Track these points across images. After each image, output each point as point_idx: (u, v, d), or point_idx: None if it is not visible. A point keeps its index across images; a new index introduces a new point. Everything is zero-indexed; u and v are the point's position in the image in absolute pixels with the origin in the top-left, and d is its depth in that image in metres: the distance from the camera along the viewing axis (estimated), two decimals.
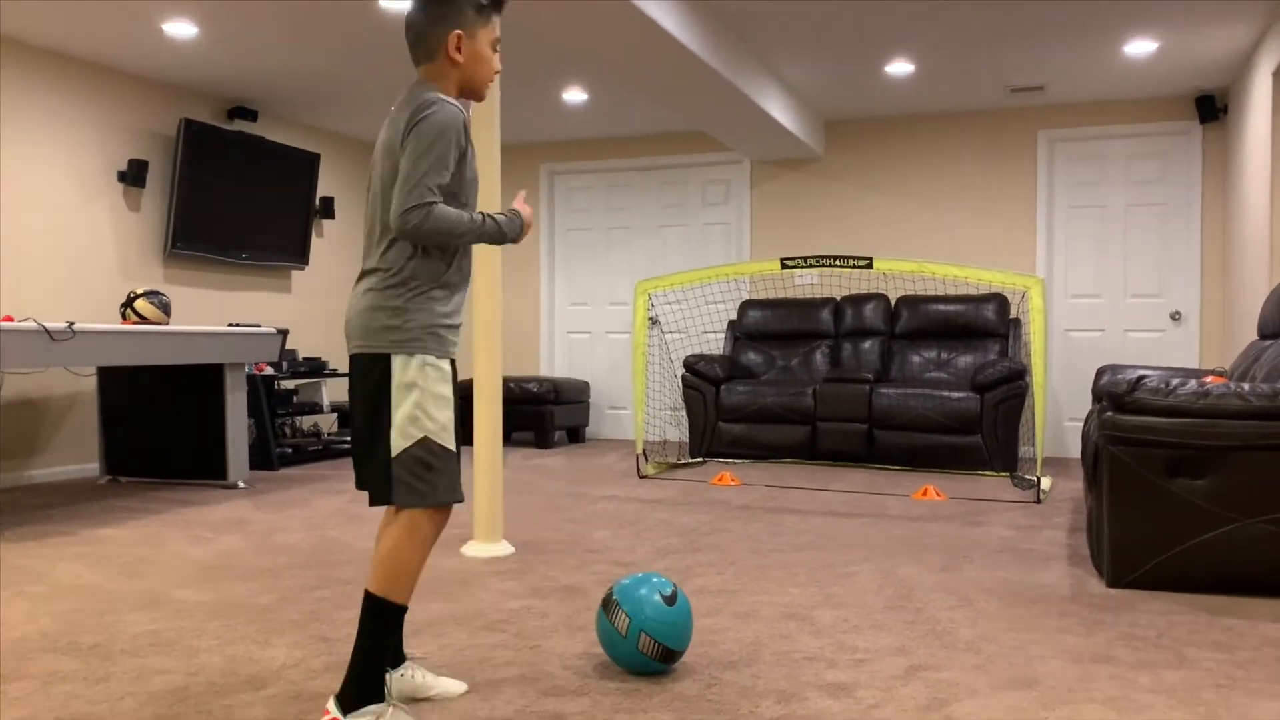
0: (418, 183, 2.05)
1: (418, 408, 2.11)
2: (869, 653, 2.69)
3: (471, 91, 2.26)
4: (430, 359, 2.13)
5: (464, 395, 7.90)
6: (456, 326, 2.22)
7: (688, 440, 8.25)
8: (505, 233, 2.20)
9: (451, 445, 2.15)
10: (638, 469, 6.29)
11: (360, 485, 2.20)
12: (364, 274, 2.19)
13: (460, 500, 2.18)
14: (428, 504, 2.12)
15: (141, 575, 3.58)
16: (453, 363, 2.21)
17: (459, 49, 2.19)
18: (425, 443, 2.11)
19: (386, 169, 2.15)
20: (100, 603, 3.20)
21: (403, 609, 2.15)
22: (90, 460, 6.33)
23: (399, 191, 2.06)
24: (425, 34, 2.19)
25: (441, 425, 2.13)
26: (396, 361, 2.12)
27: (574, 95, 7.13)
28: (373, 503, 2.15)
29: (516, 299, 8.91)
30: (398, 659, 2.33)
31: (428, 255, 2.14)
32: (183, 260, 6.91)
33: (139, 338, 4.94)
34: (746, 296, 8.24)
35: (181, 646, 2.74)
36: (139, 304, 5.52)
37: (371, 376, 2.13)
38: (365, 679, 2.10)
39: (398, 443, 2.11)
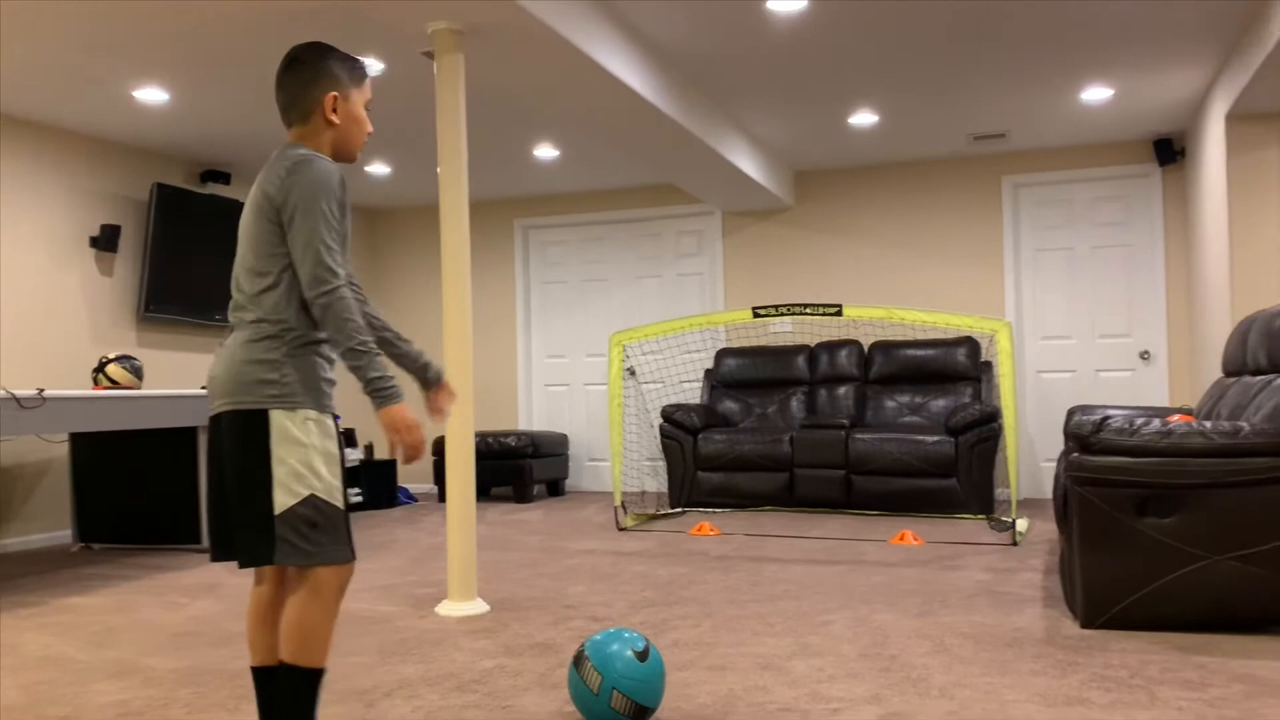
0: (317, 257, 2.02)
1: (303, 464, 2.04)
2: (843, 702, 2.68)
3: (345, 153, 2.24)
4: (313, 414, 2.07)
5: (437, 451, 7.87)
6: (334, 382, 2.16)
7: (666, 491, 8.24)
8: (381, 380, 2.05)
9: (339, 503, 2.08)
10: (616, 522, 6.28)
11: (222, 554, 2.11)
12: (235, 327, 2.13)
13: (350, 560, 2.10)
14: (314, 564, 2.05)
15: (111, 644, 3.54)
16: (335, 419, 2.14)
17: (335, 110, 2.18)
18: (312, 500, 2.04)
19: (256, 225, 2.09)
20: (68, 673, 3.16)
21: (321, 673, 2.09)
22: (62, 528, 6.26)
23: (303, 260, 2.03)
24: (299, 95, 2.17)
25: (328, 483, 2.06)
26: (277, 416, 2.04)
27: (545, 151, 7.22)
28: (244, 564, 2.06)
29: (492, 353, 8.93)
30: None
31: (305, 305, 2.09)
32: (156, 324, 6.91)
33: (111, 403, 4.92)
34: (722, 345, 8.29)
35: (150, 716, 2.70)
36: (111, 369, 5.51)
37: (246, 434, 2.04)
38: None
39: (282, 500, 2.03)
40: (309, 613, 2.06)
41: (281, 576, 2.18)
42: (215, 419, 2.11)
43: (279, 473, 2.03)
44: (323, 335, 2.12)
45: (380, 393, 2.06)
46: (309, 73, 2.17)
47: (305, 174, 2.06)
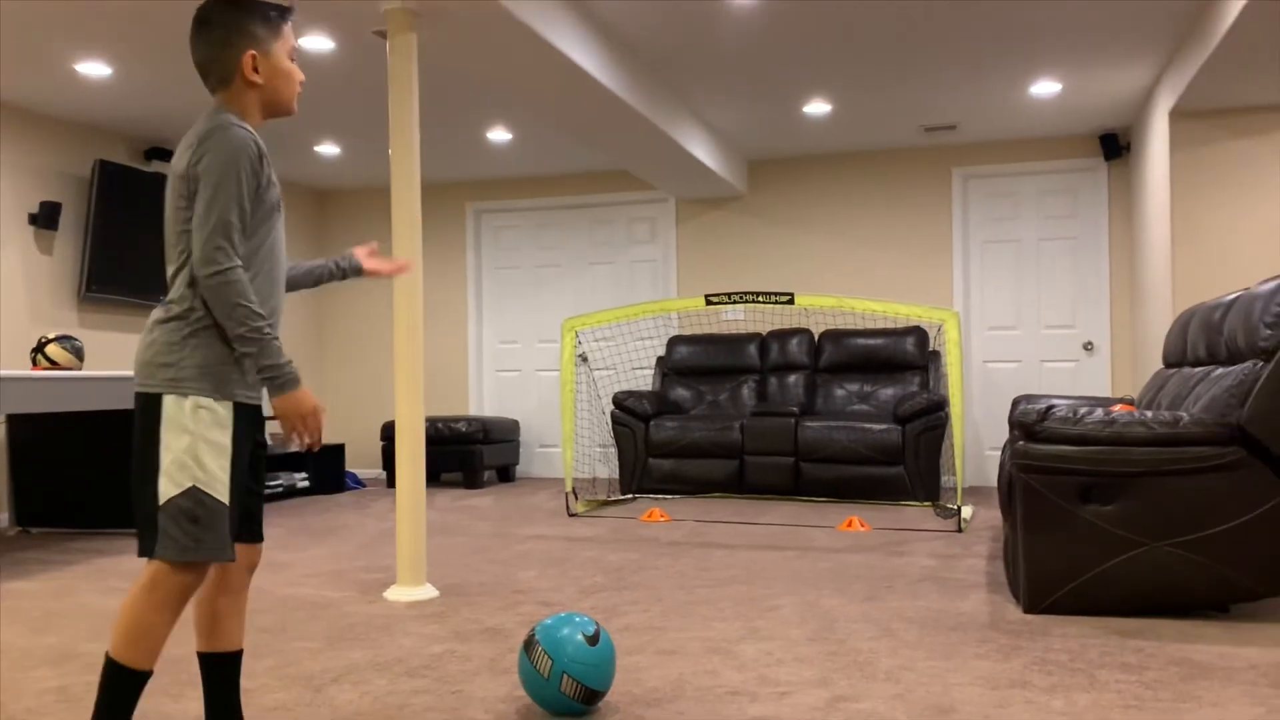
0: (211, 234, 1.91)
1: (188, 453, 1.93)
2: (791, 685, 2.71)
3: (279, 109, 2.12)
4: (205, 401, 1.94)
5: (386, 436, 7.79)
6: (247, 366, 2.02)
7: (618, 477, 8.25)
8: (274, 368, 1.95)
9: (223, 498, 1.95)
10: (567, 508, 6.27)
11: None
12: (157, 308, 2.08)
13: (230, 559, 1.97)
14: (189, 559, 1.93)
15: (50, 629, 3.47)
16: (246, 408, 2.01)
17: (256, 70, 2.04)
18: (194, 492, 1.92)
19: (172, 200, 2.00)
20: (6, 659, 3.09)
21: (141, 675, 1.95)
22: None
23: (196, 236, 1.92)
24: (215, 59, 2.04)
25: (213, 475, 1.94)
26: (168, 402, 1.95)
27: (498, 134, 7.16)
28: (139, 553, 1.96)
29: (444, 338, 8.86)
30: None
31: None
32: (98, 304, 6.76)
33: (50, 384, 4.81)
34: (675, 333, 8.30)
35: (90, 702, 2.64)
36: (50, 349, 5.38)
37: (144, 418, 1.97)
38: None
39: (165, 489, 1.93)
40: (140, 609, 1.93)
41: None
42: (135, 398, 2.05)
43: (164, 460, 1.94)
44: None
45: (274, 380, 1.95)
46: (220, 34, 2.03)
47: (215, 145, 1.94)
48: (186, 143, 2.00)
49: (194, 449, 1.93)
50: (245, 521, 2.08)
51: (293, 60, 2.12)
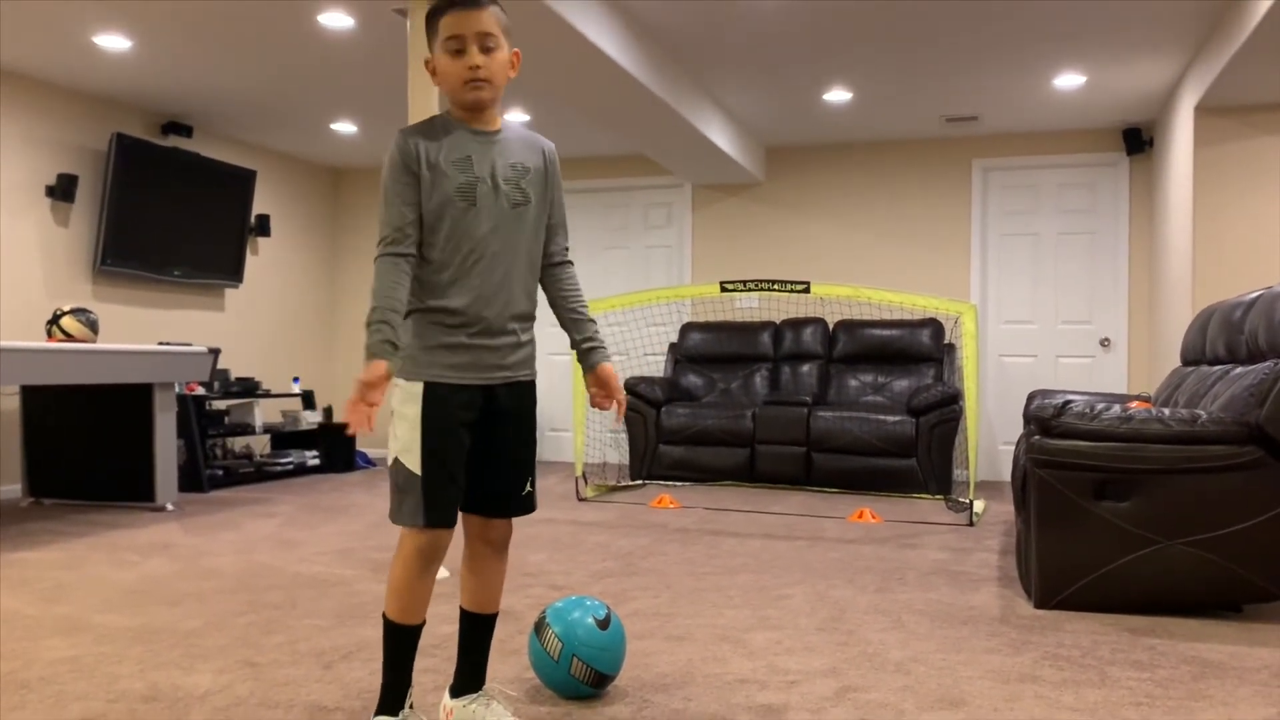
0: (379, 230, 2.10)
1: (393, 428, 2.12)
2: (800, 674, 2.70)
3: (456, 104, 2.10)
4: (400, 381, 2.09)
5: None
6: (449, 346, 2.07)
7: (628, 463, 8.24)
8: (369, 343, 2.02)
9: (414, 468, 2.06)
10: (577, 492, 6.27)
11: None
12: None
13: (415, 525, 2.06)
14: (393, 522, 2.12)
15: (62, 600, 3.48)
16: (440, 387, 2.06)
17: (435, 74, 2.10)
18: (395, 463, 2.11)
19: None
20: (17, 629, 3.10)
21: (402, 629, 2.12)
22: (12, 482, 6.15)
23: None
24: None
25: (403, 446, 2.08)
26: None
27: (515, 117, 7.14)
28: None
29: None
30: (473, 684, 2.29)
31: (417, 282, 2.09)
32: (112, 277, 6.77)
33: (65, 356, 4.83)
34: (688, 319, 8.28)
35: (101, 673, 2.66)
36: (65, 321, 5.40)
37: None
38: (382, 691, 2.16)
39: (389, 461, 2.17)
40: (393, 566, 2.14)
41: (468, 527, 2.24)
42: None
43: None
44: (432, 301, 2.09)
45: (367, 350, 2.01)
46: None
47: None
48: None
49: (395, 424, 2.11)
50: (481, 496, 2.18)
51: (457, 52, 2.04)
